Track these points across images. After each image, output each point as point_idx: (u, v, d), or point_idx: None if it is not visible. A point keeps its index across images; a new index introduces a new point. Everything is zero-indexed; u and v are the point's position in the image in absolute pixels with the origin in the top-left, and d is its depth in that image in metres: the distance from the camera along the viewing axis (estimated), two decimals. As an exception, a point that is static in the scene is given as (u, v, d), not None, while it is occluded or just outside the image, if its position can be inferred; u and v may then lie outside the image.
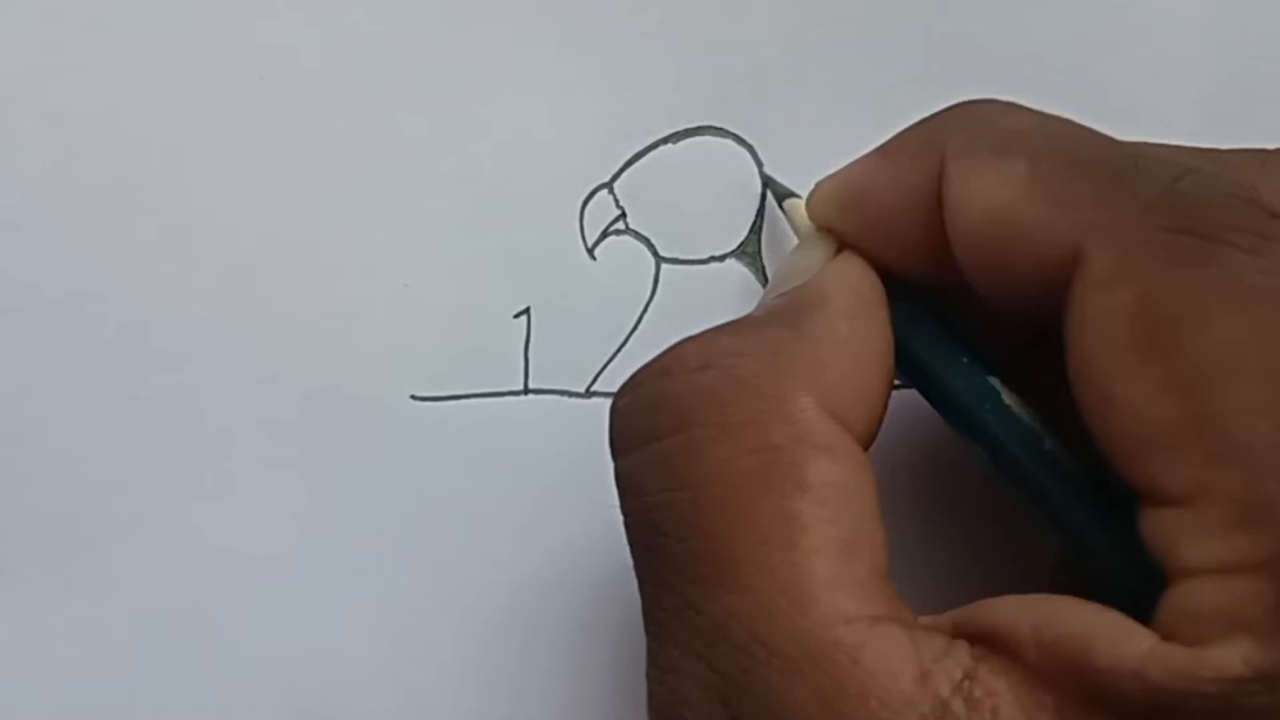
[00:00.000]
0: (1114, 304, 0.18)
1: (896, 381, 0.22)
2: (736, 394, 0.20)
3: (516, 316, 0.28)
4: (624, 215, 0.28)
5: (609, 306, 0.28)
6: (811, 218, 0.23)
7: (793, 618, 0.18)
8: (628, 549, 0.21)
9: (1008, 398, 0.21)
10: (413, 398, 0.28)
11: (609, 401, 0.22)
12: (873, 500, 0.20)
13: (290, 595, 0.27)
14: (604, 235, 0.28)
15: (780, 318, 0.21)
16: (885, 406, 0.21)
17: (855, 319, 0.21)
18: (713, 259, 0.28)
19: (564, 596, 0.27)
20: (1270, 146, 0.23)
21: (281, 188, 0.29)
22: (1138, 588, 0.18)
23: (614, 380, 0.24)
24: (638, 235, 0.28)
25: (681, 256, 0.28)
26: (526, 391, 0.28)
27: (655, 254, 0.28)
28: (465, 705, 0.27)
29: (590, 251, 0.28)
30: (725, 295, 0.28)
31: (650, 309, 0.28)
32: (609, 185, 0.28)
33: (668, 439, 0.20)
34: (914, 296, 0.22)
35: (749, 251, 0.28)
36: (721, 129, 0.29)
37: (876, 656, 0.18)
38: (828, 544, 0.19)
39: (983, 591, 0.20)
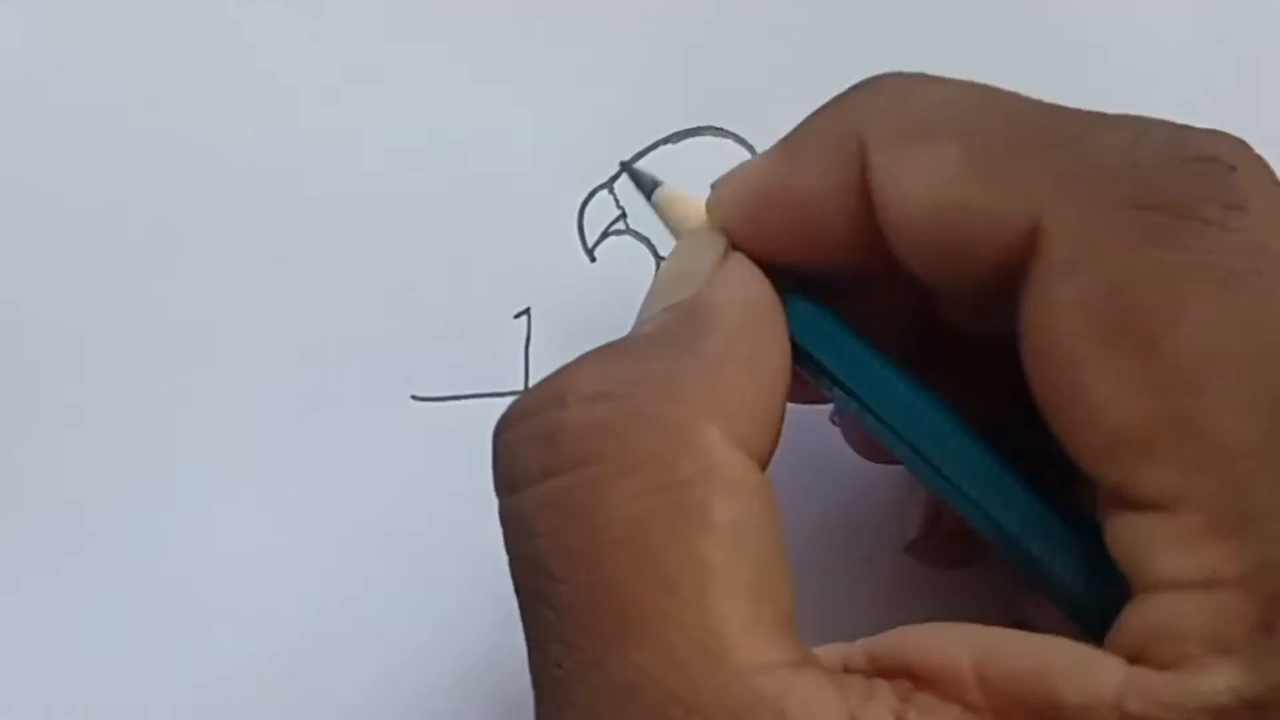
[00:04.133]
0: (1077, 290, 0.17)
1: None
2: (638, 426, 0.18)
3: (516, 317, 0.28)
4: (624, 215, 0.28)
5: (609, 306, 0.28)
6: (713, 220, 0.21)
7: (709, 671, 0.16)
8: None
9: (926, 397, 0.20)
10: (413, 398, 0.28)
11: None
12: (778, 537, 0.18)
13: (288, 596, 0.27)
14: (604, 235, 0.28)
15: (675, 337, 0.19)
16: (782, 425, 0.19)
17: (752, 334, 0.19)
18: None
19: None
20: (1265, 147, 0.22)
21: (281, 188, 0.29)
22: (1087, 601, 0.17)
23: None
24: (638, 235, 0.28)
25: (681, 256, 0.28)
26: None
27: (655, 254, 0.28)
28: (465, 707, 0.27)
29: (590, 252, 0.28)
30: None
31: (650, 309, 0.28)
32: (609, 185, 0.28)
33: (563, 475, 0.18)
34: (809, 294, 0.21)
35: (749, 251, 0.28)
36: (721, 129, 0.29)
37: (799, 706, 0.16)
38: (738, 588, 0.17)
39: (873, 617, 0.19)
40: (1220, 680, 0.15)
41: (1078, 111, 0.19)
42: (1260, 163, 0.18)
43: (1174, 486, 0.16)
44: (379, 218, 0.28)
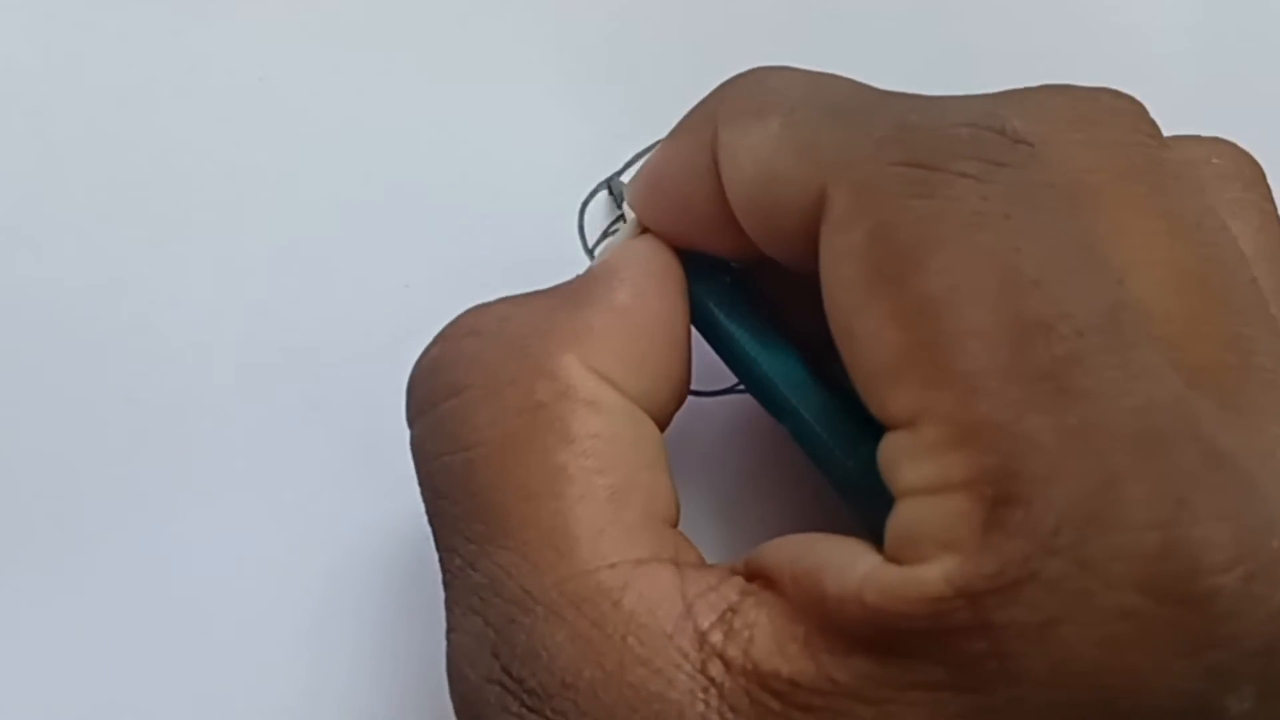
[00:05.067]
0: (850, 241, 0.18)
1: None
2: (501, 355, 0.20)
3: (516, 316, 0.28)
4: (624, 215, 0.28)
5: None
6: (630, 207, 0.24)
7: (557, 566, 0.18)
8: None
9: (783, 345, 0.22)
10: (413, 398, 0.28)
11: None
12: (651, 451, 0.20)
13: (288, 596, 0.27)
14: (604, 235, 0.28)
15: (559, 292, 0.22)
16: (680, 380, 0.22)
17: (637, 288, 0.21)
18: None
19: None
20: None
21: (280, 187, 0.29)
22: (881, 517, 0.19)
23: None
24: (638, 235, 0.28)
25: (681, 256, 0.28)
26: (526, 391, 0.28)
27: (655, 254, 0.28)
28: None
29: (590, 252, 0.28)
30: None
31: (650, 309, 0.28)
32: (609, 185, 0.28)
33: (442, 404, 0.20)
34: (719, 272, 0.23)
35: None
36: (721, 129, 0.29)
37: (636, 596, 0.18)
38: (594, 492, 0.19)
39: None
40: (938, 571, 0.16)
41: (892, 93, 0.20)
42: (1080, 145, 0.20)
43: (916, 405, 0.17)
44: (379, 217, 0.28)
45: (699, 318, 0.23)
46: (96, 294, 0.28)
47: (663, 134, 0.28)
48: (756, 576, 0.19)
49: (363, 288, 0.28)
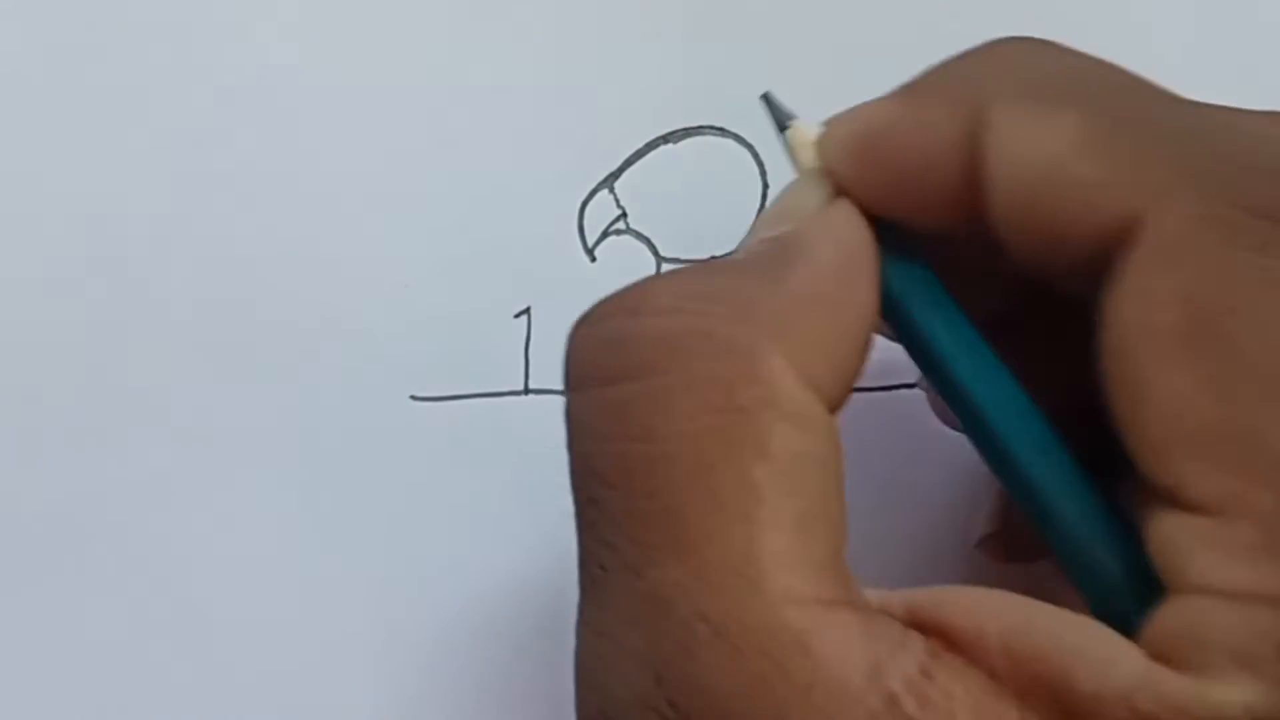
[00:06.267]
0: (1168, 284, 0.16)
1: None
2: (705, 345, 0.18)
3: (516, 316, 0.28)
4: (624, 215, 0.28)
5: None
6: (821, 158, 0.21)
7: (741, 596, 0.16)
8: None
9: (1005, 374, 0.19)
10: (412, 398, 0.28)
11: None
12: (837, 475, 0.18)
13: (286, 596, 0.27)
14: (604, 235, 0.28)
15: (758, 266, 0.19)
16: (860, 372, 0.19)
17: (840, 275, 0.19)
18: (713, 259, 0.28)
19: (565, 597, 0.27)
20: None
21: (280, 187, 0.29)
22: (1123, 594, 0.17)
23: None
24: (638, 235, 0.28)
25: (681, 256, 0.28)
26: (526, 391, 0.28)
27: (655, 254, 0.28)
28: (463, 705, 0.27)
29: (590, 252, 0.28)
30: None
31: (650, 309, 0.28)
32: (609, 185, 0.28)
33: (625, 383, 0.18)
34: (910, 252, 0.20)
35: (749, 251, 0.28)
36: (721, 129, 0.29)
37: (826, 644, 0.16)
38: (785, 519, 0.17)
39: (938, 572, 0.19)
40: (1236, 694, 0.15)
41: (1203, 104, 0.18)
42: None
43: (1229, 494, 0.15)
44: (379, 217, 0.28)
45: (901, 300, 0.20)
46: (95, 292, 0.28)
47: (662, 134, 0.28)
48: (933, 631, 0.17)
49: (363, 288, 0.28)
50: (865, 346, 0.19)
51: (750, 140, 0.28)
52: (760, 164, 0.28)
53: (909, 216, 0.20)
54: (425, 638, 0.27)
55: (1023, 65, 0.19)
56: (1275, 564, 0.15)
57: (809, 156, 0.21)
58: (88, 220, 0.28)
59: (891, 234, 0.20)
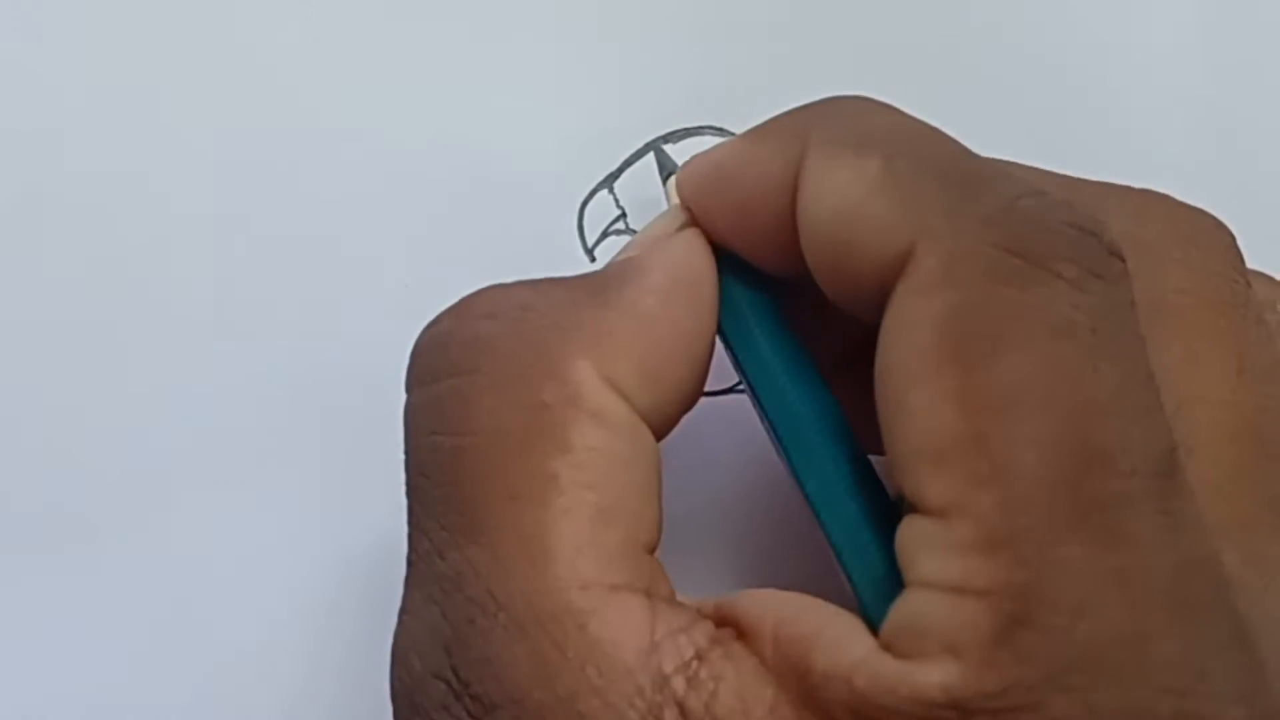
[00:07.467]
0: (928, 308, 0.17)
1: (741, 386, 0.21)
2: (514, 346, 0.19)
3: (516, 316, 0.28)
4: (624, 215, 0.28)
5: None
6: (678, 193, 0.22)
7: (528, 576, 0.18)
8: None
9: (813, 401, 0.20)
10: (413, 398, 0.28)
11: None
12: (646, 474, 0.20)
13: (288, 595, 0.27)
14: (604, 235, 0.28)
15: (592, 283, 0.21)
16: (692, 392, 0.21)
17: (665, 295, 0.20)
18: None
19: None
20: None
21: (281, 187, 0.29)
22: (882, 593, 0.18)
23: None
24: (638, 235, 0.28)
25: (681, 256, 0.28)
26: (526, 391, 0.28)
27: (655, 254, 0.28)
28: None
29: (590, 252, 0.28)
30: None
31: (650, 309, 0.28)
32: (609, 185, 0.28)
33: (442, 381, 0.19)
34: (755, 283, 0.22)
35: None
36: (721, 129, 0.29)
37: (604, 624, 0.17)
38: (581, 508, 0.18)
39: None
40: (938, 675, 0.16)
41: (991, 159, 0.20)
42: (1178, 264, 0.19)
43: (954, 497, 0.17)
44: (379, 216, 0.28)
45: (728, 325, 0.22)
46: (95, 291, 0.28)
47: (662, 134, 0.28)
48: (729, 623, 0.18)
49: (363, 288, 0.28)
50: (694, 361, 0.21)
51: (750, 140, 0.28)
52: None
53: (750, 249, 0.21)
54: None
55: (846, 116, 0.21)
56: (985, 560, 0.16)
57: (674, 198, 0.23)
58: (87, 218, 0.28)
59: (738, 265, 0.21)
